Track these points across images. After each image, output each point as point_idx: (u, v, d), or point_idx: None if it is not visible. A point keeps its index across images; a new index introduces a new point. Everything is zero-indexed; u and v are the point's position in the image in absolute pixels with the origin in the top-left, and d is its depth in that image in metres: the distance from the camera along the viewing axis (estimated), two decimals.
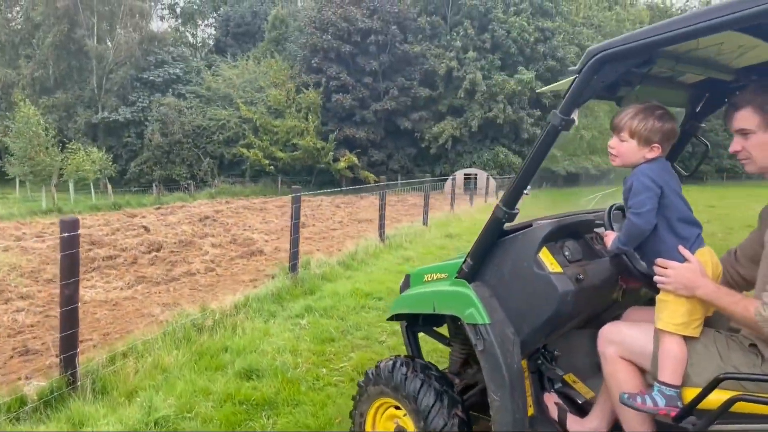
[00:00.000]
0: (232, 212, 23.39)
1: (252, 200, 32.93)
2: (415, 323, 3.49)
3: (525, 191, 2.51)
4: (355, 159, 40.32)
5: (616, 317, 3.28)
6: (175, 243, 13.04)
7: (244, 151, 40.06)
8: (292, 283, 7.46)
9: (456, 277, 2.77)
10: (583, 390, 3.16)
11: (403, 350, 5.21)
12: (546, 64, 42.21)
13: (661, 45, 2.01)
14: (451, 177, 21.36)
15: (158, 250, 12.34)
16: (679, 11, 58.38)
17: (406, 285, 3.28)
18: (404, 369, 2.98)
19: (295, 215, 7.71)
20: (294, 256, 7.73)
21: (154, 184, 38.08)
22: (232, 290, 8.31)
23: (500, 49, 42.65)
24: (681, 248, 2.20)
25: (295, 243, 7.70)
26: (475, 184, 26.22)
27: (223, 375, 4.69)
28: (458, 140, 42.46)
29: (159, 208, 26.70)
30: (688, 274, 2.15)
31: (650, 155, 2.27)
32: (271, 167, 40.24)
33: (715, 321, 2.33)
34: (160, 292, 8.76)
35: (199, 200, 31.20)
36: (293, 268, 7.72)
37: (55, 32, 42.99)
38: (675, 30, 1.91)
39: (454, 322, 3.13)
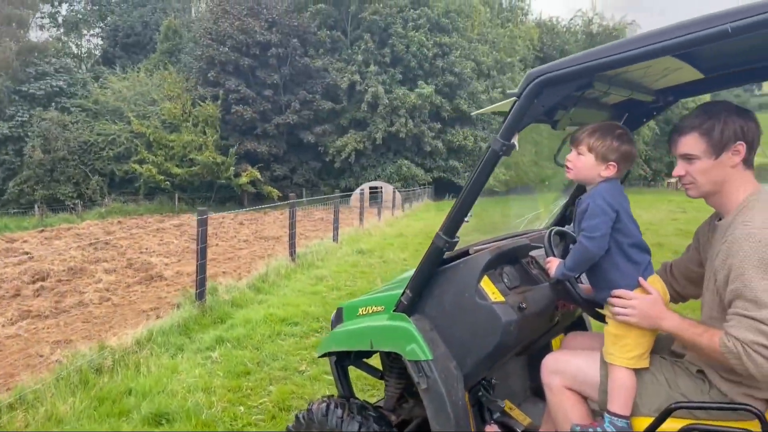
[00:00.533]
0: (126, 233, 22.02)
1: (147, 219, 31.26)
2: (345, 358, 3.27)
3: (466, 218, 2.39)
4: (257, 174, 39.42)
5: (547, 344, 3.25)
6: (63, 270, 11.97)
7: (137, 167, 37.99)
8: (200, 311, 6.99)
9: (394, 311, 2.60)
10: (520, 417, 3.09)
11: (326, 381, 4.98)
12: (444, 78, 43.41)
13: (603, 69, 1.99)
14: (360, 190, 21.32)
15: (44, 280, 11.27)
16: (565, 28, 62.30)
17: (338, 319, 3.06)
18: (339, 411, 2.76)
19: (202, 239, 7.25)
20: (201, 282, 7.25)
21: (36, 205, 35.21)
22: (132, 322, 7.68)
23: (400, 64, 43.42)
24: (642, 281, 2.15)
25: (202, 269, 7.23)
26: (381, 197, 26.33)
27: (128, 422, 4.24)
28: (362, 153, 42.66)
29: (42, 231, 24.65)
30: (654, 307, 2.10)
31: (605, 173, 2.22)
32: (167, 184, 38.46)
33: (657, 346, 2.30)
34: (48, 328, 7.94)
35: (87, 221, 29.12)
36: (200, 295, 7.24)
37: None
38: (617, 54, 1.91)
39: (388, 355, 2.96)
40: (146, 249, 16.00)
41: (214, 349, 5.85)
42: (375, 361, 3.34)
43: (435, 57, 43.35)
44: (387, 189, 34.32)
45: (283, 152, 42.45)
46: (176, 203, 38.87)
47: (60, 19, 59.99)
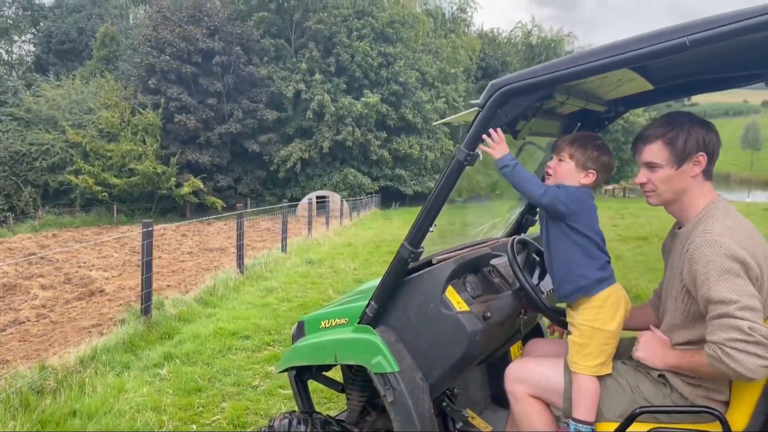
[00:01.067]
0: (62, 247, 21.10)
1: (84, 232, 30.04)
2: (305, 372, 3.21)
3: (431, 228, 2.39)
4: (200, 184, 38.55)
5: (506, 351, 3.29)
6: None
7: (72, 178, 36.46)
8: (146, 327, 6.74)
9: (359, 323, 2.57)
10: (481, 425, 3.11)
11: (282, 395, 4.88)
12: (390, 87, 43.72)
13: (565, 80, 2.05)
14: (307, 200, 21.13)
15: None
16: (506, 40, 63.88)
17: (299, 333, 3.00)
18: (302, 427, 2.72)
19: (147, 251, 7.01)
20: (147, 297, 7.01)
21: None
22: (73, 340, 7.34)
23: (345, 73, 43.46)
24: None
25: (147, 283, 6.99)
26: (329, 206, 26.21)
27: None
28: (307, 162, 42.41)
29: None
30: (661, 347, 2.15)
31: (585, 180, 2.30)
32: (105, 194, 37.08)
33: (618, 352, 2.36)
34: None
35: (20, 234, 27.72)
36: (146, 310, 6.99)
37: None
38: (578, 66, 1.96)
39: (350, 368, 2.92)
40: (85, 263, 15.36)
41: (163, 365, 5.65)
42: (333, 374, 3.29)
43: (380, 66, 43.64)
44: (334, 198, 34.20)
45: (227, 162, 41.73)
46: (115, 215, 37.53)
47: None
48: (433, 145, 46.45)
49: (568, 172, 2.31)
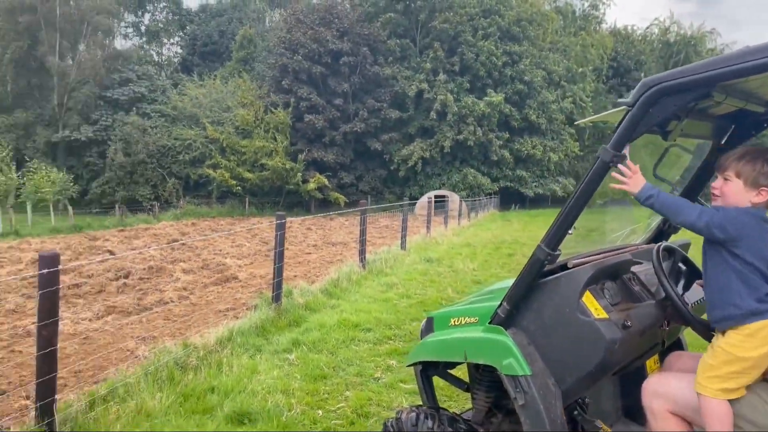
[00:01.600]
0: (200, 235, 22.82)
1: (219, 222, 32.28)
2: (430, 368, 3.25)
3: (569, 231, 2.33)
4: (325, 180, 40.06)
5: (641, 363, 3.12)
6: (144, 269, 12.51)
7: (211, 171, 39.41)
8: (276, 314, 7.14)
9: (489, 323, 2.56)
10: None
11: (402, 390, 4.97)
12: (514, 87, 42.89)
13: (727, 78, 1.92)
14: (427, 198, 21.27)
15: (127, 277, 11.81)
16: (641, 37, 60.28)
17: (428, 329, 3.04)
18: (430, 422, 2.74)
19: (279, 242, 7.41)
20: (278, 285, 7.41)
21: (116, 206, 37.04)
22: (210, 321, 7.92)
23: (469, 72, 43.19)
24: None
25: (279, 272, 7.39)
26: (447, 206, 26.21)
27: (212, 419, 4.36)
28: (428, 162, 42.64)
29: (122, 230, 25.90)
30: None
31: (757, 200, 2.13)
32: (239, 188, 39.65)
33: None
34: (132, 324, 8.30)
35: (163, 222, 30.39)
36: (276, 298, 7.39)
37: (14, 48, 41.83)
38: (744, 63, 1.83)
39: (476, 367, 2.92)
40: (220, 251, 16.51)
41: (291, 351, 5.95)
42: (458, 372, 3.30)
43: (504, 65, 42.92)
44: (453, 198, 34.11)
45: (350, 160, 42.97)
46: (246, 207, 39.99)
47: (143, 29, 63.14)
48: (557, 146, 44.92)
49: (736, 191, 2.14)
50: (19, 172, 29.86)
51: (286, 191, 41.32)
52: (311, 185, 39.71)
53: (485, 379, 2.87)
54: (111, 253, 16.45)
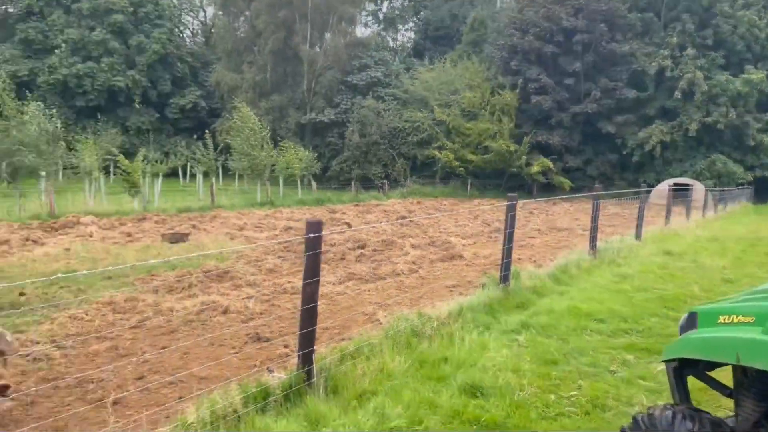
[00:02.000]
0: (425, 213, 23.77)
1: (442, 201, 33.27)
2: (686, 366, 3.00)
3: None
4: (549, 164, 38.83)
5: None
6: (377, 242, 13.45)
7: (436, 153, 40.65)
8: (503, 294, 7.18)
9: None
10: None
11: (642, 387, 4.67)
12: None
13: None
14: (668, 186, 19.47)
15: (363, 248, 12.82)
16: None
17: (690, 324, 2.81)
18: (689, 423, 2.55)
19: (510, 223, 7.41)
20: (506, 266, 7.44)
21: (352, 182, 40.23)
22: (438, 295, 8.27)
23: (724, 46, 38.14)
24: None
25: (507, 253, 7.41)
26: (691, 195, 23.67)
27: (446, 388, 4.56)
28: (667, 146, 38.78)
29: (357, 205, 28.10)
30: None
31: None
32: (462, 169, 40.33)
33: None
34: (369, 291, 9.02)
35: (392, 199, 32.30)
36: (504, 279, 7.43)
37: (274, 40, 47.38)
38: None
39: (744, 372, 2.62)
40: (445, 229, 17.04)
41: (520, 333, 5.96)
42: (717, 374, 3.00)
43: None
44: (697, 187, 30.68)
45: (578, 143, 40.96)
46: (468, 189, 40.57)
47: (380, 16, 66.97)
48: None
49: None
50: (275, 150, 33.93)
51: (508, 174, 40.98)
52: (535, 168, 38.78)
53: (757, 386, 2.58)
54: (348, 225, 17.98)
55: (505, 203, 7.70)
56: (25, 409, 4.74)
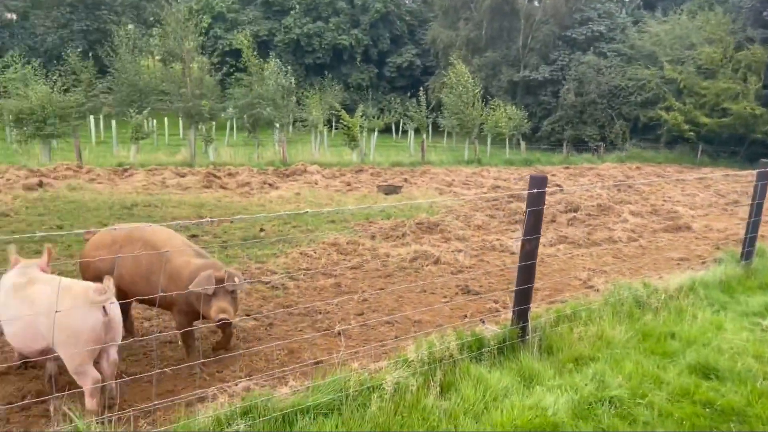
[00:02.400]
0: (645, 179, 21.90)
1: (665, 168, 30.28)
2: None
3: None
4: None
5: None
6: (592, 206, 12.75)
7: (663, 114, 36.86)
8: (744, 272, 6.38)
9: None
10: None
11: None
12: None
13: None
14: None
15: (576, 212, 12.27)
16: None
17: None
18: None
19: (760, 194, 6.49)
20: (750, 242, 6.57)
21: (563, 144, 38.46)
22: (661, 267, 7.62)
23: None
24: None
25: (753, 227, 6.53)
26: None
27: (673, 365, 4.22)
28: None
29: (567, 167, 26.87)
30: None
31: None
32: (692, 134, 36.11)
33: None
34: (582, 255, 8.63)
35: (607, 163, 30.25)
36: (747, 255, 6.58)
37: None
38: None
39: None
40: (669, 198, 15.56)
41: (764, 316, 5.27)
42: None
43: None
44: None
45: None
46: (698, 155, 36.36)
47: None
48: None
49: None
50: (485, 108, 33.67)
51: (749, 141, 35.82)
52: None
53: None
54: (559, 186, 17.30)
55: (746, 172, 6.74)
56: (266, 329, 5.41)
